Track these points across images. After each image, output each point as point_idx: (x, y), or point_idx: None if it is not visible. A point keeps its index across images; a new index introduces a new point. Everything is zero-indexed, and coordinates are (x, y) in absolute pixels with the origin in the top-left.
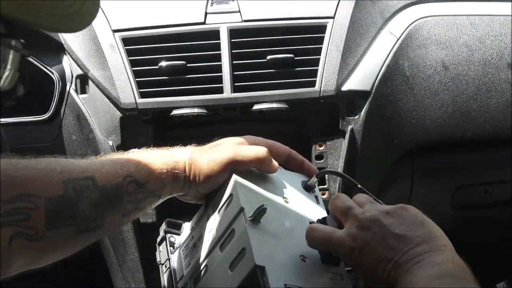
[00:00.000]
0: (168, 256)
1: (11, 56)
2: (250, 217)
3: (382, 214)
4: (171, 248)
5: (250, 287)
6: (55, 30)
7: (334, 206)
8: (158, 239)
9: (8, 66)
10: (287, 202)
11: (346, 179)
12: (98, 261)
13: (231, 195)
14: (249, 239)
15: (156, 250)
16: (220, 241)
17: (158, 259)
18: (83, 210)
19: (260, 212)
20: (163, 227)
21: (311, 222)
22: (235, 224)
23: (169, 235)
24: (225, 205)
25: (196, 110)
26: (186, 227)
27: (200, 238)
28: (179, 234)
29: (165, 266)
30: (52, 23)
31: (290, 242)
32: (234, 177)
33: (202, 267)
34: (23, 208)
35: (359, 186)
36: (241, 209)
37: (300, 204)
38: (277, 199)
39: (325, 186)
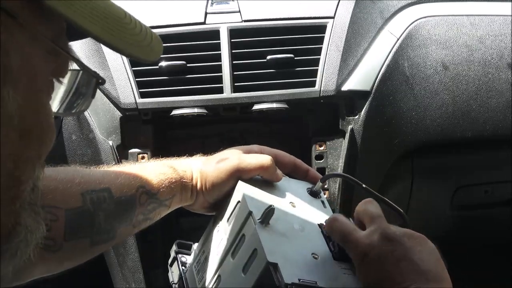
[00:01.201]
0: (181, 274)
1: (93, 83)
2: (259, 219)
3: (406, 235)
4: (183, 267)
5: (264, 286)
6: (135, 58)
7: (364, 208)
8: (170, 260)
9: (90, 93)
10: (294, 207)
11: (350, 180)
12: (98, 261)
13: (238, 202)
14: (259, 239)
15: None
16: (232, 249)
17: (171, 279)
18: (98, 222)
19: (268, 213)
20: (174, 248)
21: (319, 225)
22: (244, 229)
23: (180, 255)
24: (233, 213)
25: (196, 110)
26: (196, 247)
27: (211, 251)
28: (189, 255)
29: (178, 285)
30: (133, 52)
31: (300, 242)
32: (240, 184)
33: (215, 278)
34: (45, 220)
35: (363, 186)
36: (250, 213)
37: (307, 208)
38: (284, 203)
39: (325, 186)
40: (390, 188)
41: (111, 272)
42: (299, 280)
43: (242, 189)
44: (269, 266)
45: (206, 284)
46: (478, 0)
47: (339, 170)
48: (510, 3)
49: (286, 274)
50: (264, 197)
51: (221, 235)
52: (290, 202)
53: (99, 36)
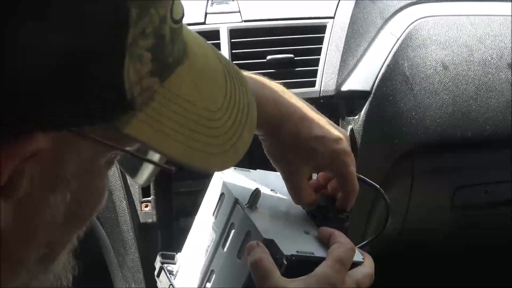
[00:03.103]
0: (170, 281)
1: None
2: (246, 204)
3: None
4: (171, 275)
5: None
6: (204, 170)
7: (339, 249)
8: (156, 272)
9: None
10: (275, 193)
11: None
12: (98, 261)
13: (222, 194)
14: (251, 220)
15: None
16: (222, 240)
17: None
18: None
19: (255, 196)
20: (159, 259)
21: (302, 207)
22: (232, 217)
23: (165, 265)
24: (217, 205)
25: None
26: (180, 257)
27: (198, 251)
28: (174, 264)
29: None
30: (204, 164)
31: (289, 221)
32: (218, 175)
33: (208, 274)
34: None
35: None
36: (236, 201)
37: (287, 193)
38: (265, 190)
39: None
40: (390, 188)
41: (111, 272)
42: (297, 252)
43: (223, 181)
44: (266, 243)
45: (199, 284)
46: (478, 0)
47: None
48: (510, 3)
49: (284, 248)
50: (246, 185)
51: (207, 231)
52: (271, 190)
53: (176, 158)
